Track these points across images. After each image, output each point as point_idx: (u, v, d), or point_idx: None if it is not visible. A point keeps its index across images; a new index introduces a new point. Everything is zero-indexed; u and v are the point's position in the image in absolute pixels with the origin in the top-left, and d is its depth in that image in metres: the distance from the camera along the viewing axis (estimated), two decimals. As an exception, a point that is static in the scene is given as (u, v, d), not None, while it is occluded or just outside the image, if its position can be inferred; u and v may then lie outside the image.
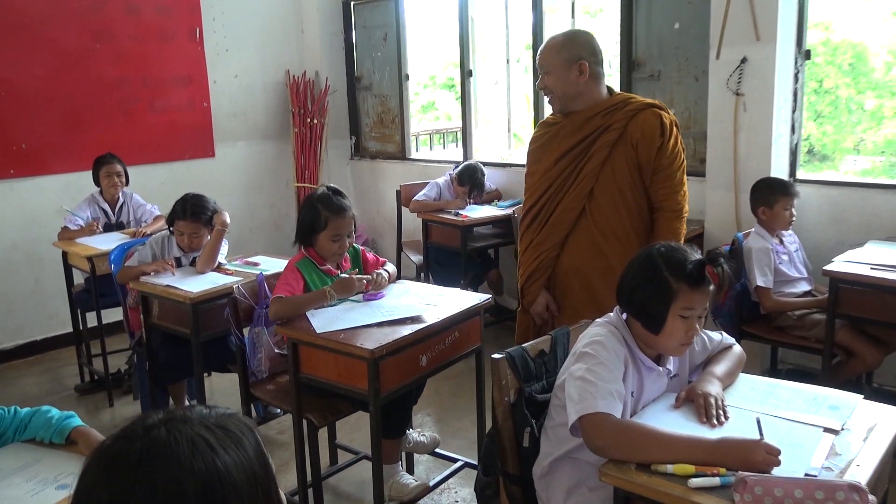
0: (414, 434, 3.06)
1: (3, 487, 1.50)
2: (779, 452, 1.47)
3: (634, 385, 1.79)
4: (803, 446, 1.56)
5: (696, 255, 1.75)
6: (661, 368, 1.84)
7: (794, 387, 1.88)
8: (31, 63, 4.61)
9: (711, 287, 1.74)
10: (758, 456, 1.47)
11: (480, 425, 2.89)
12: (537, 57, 2.65)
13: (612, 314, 1.88)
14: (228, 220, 3.36)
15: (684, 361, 1.94)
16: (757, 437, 1.52)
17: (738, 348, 1.98)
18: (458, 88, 5.60)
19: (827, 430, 1.63)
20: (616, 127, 2.51)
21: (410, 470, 3.19)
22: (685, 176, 2.58)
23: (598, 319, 1.90)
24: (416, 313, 2.52)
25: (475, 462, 3.01)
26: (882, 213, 3.49)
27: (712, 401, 1.70)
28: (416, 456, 3.23)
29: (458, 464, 3.06)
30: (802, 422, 1.67)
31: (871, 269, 2.89)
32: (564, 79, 2.54)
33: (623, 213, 2.55)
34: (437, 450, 3.10)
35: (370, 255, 2.92)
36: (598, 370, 1.68)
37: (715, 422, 1.66)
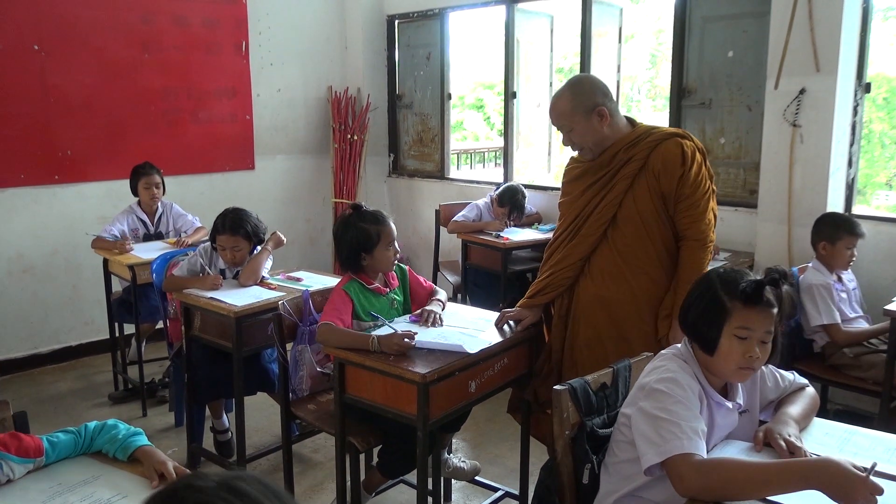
0: (454, 459, 3.00)
1: (57, 507, 1.47)
2: (881, 492, 1.38)
3: (706, 422, 1.72)
4: None
5: (756, 277, 1.70)
6: (730, 404, 1.77)
7: (871, 434, 1.80)
8: (80, 71, 4.65)
9: (775, 310, 1.67)
10: (859, 495, 1.37)
11: (525, 455, 2.82)
12: (552, 119, 2.61)
13: (679, 345, 1.82)
14: (284, 240, 3.48)
15: (754, 397, 1.86)
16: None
17: (811, 390, 1.90)
18: (488, 109, 5.57)
19: (914, 483, 1.54)
20: (638, 157, 2.51)
21: (448, 496, 3.12)
22: (713, 203, 2.55)
23: (663, 351, 1.84)
24: (468, 340, 2.46)
25: (516, 492, 2.94)
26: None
27: (794, 441, 1.64)
28: (453, 482, 3.16)
29: (499, 493, 2.98)
30: (887, 473, 1.58)
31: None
32: (590, 129, 2.53)
33: (647, 242, 2.53)
34: (476, 477, 3.03)
35: (419, 278, 2.86)
36: (677, 409, 1.62)
37: None
